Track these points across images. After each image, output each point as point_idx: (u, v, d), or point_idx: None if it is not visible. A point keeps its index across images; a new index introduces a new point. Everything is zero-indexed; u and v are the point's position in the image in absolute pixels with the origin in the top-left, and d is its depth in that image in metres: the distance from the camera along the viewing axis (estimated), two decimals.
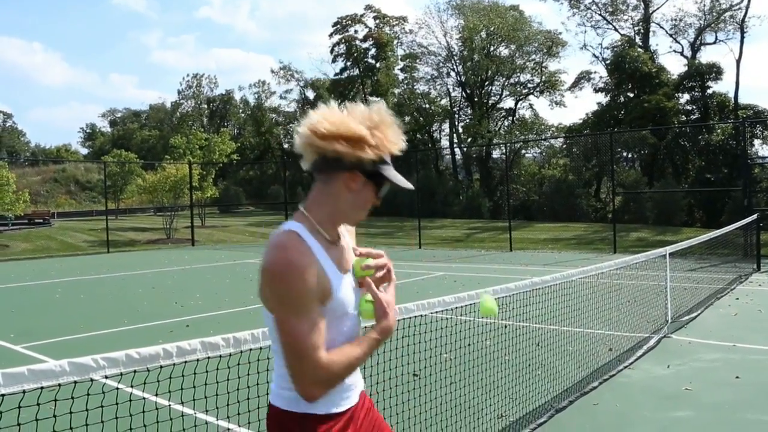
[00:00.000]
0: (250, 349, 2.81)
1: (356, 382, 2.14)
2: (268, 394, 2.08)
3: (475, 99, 48.33)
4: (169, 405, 3.03)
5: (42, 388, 2.05)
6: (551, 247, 23.23)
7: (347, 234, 2.17)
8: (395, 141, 2.08)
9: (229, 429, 4.02)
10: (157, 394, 3.19)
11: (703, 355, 7.02)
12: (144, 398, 3.41)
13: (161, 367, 2.48)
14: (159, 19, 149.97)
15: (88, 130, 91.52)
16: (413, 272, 15.87)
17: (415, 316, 3.78)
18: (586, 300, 8.03)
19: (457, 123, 50.26)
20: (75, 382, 2.21)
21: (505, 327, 7.47)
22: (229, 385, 3.22)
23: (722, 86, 39.41)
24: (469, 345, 6.40)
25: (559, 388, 5.82)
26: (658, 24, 41.85)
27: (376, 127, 2.04)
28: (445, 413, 4.75)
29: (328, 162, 1.96)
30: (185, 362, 2.56)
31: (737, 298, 10.70)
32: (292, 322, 1.85)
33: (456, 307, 4.07)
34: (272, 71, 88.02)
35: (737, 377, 6.18)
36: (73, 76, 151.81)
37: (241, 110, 74.74)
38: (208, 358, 2.64)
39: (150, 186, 32.93)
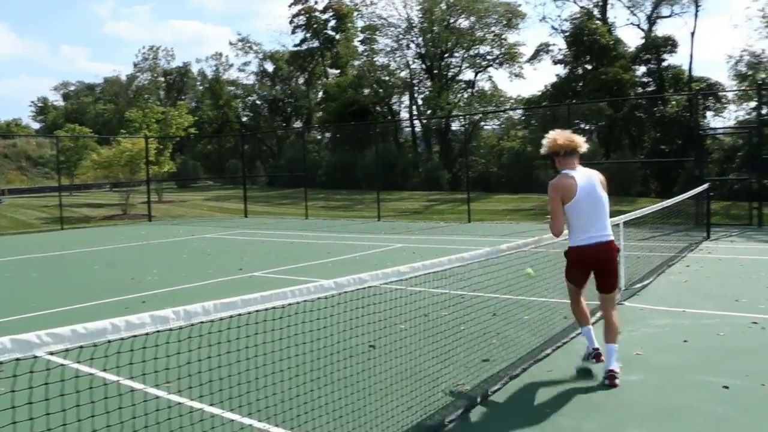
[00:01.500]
0: (201, 322, 2.79)
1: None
2: (219, 367, 2.07)
3: (435, 71, 48.22)
4: (118, 380, 3.00)
5: None
6: (510, 218, 23.46)
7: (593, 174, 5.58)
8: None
9: (180, 403, 4.00)
10: (105, 370, 3.14)
11: (654, 321, 7.19)
12: (92, 374, 3.37)
13: (109, 341, 2.45)
14: None
15: (39, 104, 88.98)
16: (372, 244, 15.90)
17: (370, 287, 3.79)
18: (542, 269, 8.13)
19: (416, 95, 50.18)
20: (17, 360, 2.16)
21: (461, 297, 7.55)
22: (180, 359, 3.20)
23: (677, 59, 39.86)
24: (425, 315, 6.47)
25: (514, 356, 5.90)
26: None
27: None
28: (401, 383, 4.80)
29: None
30: (134, 336, 2.53)
31: (688, 266, 10.96)
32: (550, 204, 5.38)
33: (409, 278, 4.09)
34: (230, 43, 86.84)
35: (685, 341, 6.35)
36: (22, 47, 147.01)
37: (198, 83, 73.44)
38: (158, 331, 2.61)
39: (105, 161, 32.24)
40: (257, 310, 2.97)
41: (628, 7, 41.84)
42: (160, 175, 35.93)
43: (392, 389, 4.71)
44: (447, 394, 4.95)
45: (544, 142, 5.53)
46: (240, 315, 2.92)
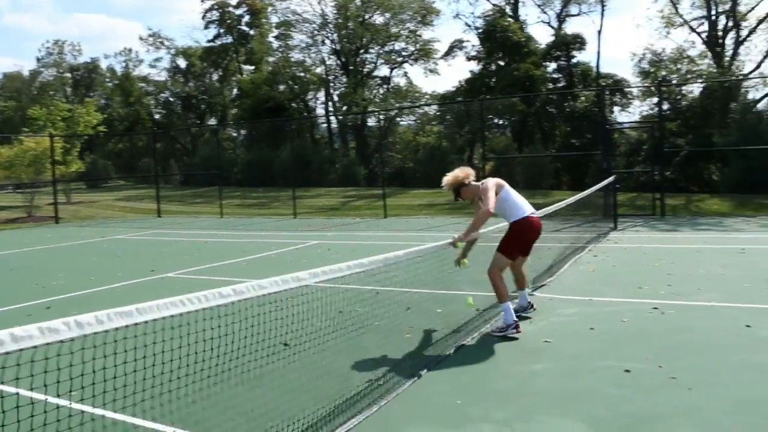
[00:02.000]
0: (95, 333, 2.68)
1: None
2: (115, 377, 2.00)
3: (350, 67, 48.21)
4: (18, 393, 2.86)
5: None
6: (425, 212, 23.72)
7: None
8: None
9: (83, 412, 3.87)
10: (2, 383, 2.99)
11: (563, 310, 7.41)
12: None
13: (7, 353, 2.33)
14: None
15: None
16: (288, 242, 15.78)
17: (271, 293, 3.75)
18: (452, 264, 8.26)
19: (332, 91, 50.04)
20: None
21: (377, 293, 7.59)
22: (72, 372, 3.07)
23: (585, 56, 41.42)
24: (340, 312, 6.47)
25: (427, 350, 5.97)
26: None
27: None
28: (315, 381, 4.78)
29: None
30: (20, 350, 2.41)
31: (595, 256, 11.35)
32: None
33: (319, 281, 4.06)
34: (141, 38, 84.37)
35: (591, 329, 6.58)
36: None
37: (107, 79, 71.04)
38: (48, 344, 2.49)
39: (6, 161, 30.74)
40: (155, 319, 2.88)
41: (539, 5, 43.00)
42: (67, 175, 34.59)
43: (304, 387, 4.69)
44: (359, 389, 4.96)
45: (448, 180, 6.74)
46: (137, 324, 2.83)
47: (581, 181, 25.78)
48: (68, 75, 71.16)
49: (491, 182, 6.61)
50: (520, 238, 6.70)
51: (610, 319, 6.97)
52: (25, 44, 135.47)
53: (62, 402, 3.76)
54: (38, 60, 71.53)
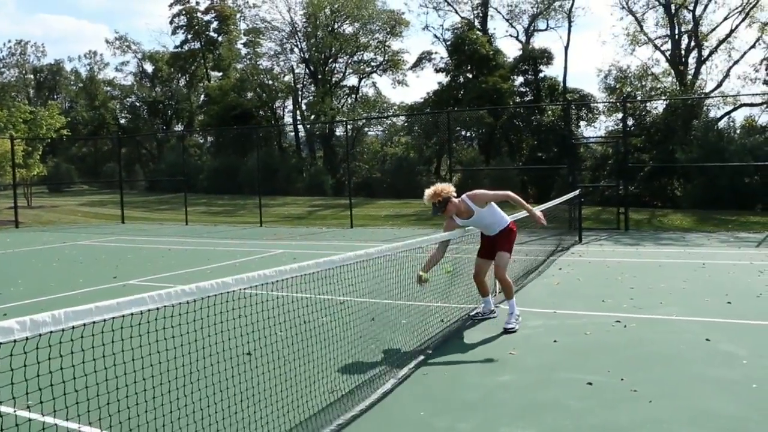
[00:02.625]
0: (51, 332, 2.61)
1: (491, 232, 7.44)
2: (74, 378, 1.94)
3: (319, 76, 48.17)
4: None
5: None
6: (392, 223, 23.74)
7: (472, 202, 7.27)
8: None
9: (29, 420, 3.76)
10: None
11: (528, 322, 7.45)
12: None
13: None
14: None
15: None
16: (253, 250, 15.66)
17: (233, 290, 3.71)
18: (415, 274, 8.26)
19: (300, 100, 49.91)
20: None
21: (342, 303, 7.53)
22: (27, 372, 2.98)
23: (552, 71, 42.02)
24: (306, 322, 6.40)
25: (392, 360, 5.95)
26: (496, 9, 43.69)
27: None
28: (279, 393, 4.72)
29: None
30: None
31: (560, 268, 11.45)
32: None
33: (276, 281, 4.02)
34: (107, 41, 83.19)
35: (555, 341, 6.62)
36: None
37: (72, 82, 70.05)
38: (0, 344, 2.43)
39: None
40: (113, 317, 2.81)
41: (507, 20, 43.53)
42: (29, 178, 34.00)
43: (267, 395, 4.63)
44: (323, 399, 4.92)
45: (438, 192, 7.23)
46: (95, 323, 2.77)
47: (547, 195, 26.02)
48: (31, 76, 70.04)
49: (479, 191, 7.38)
50: (514, 239, 7.46)
51: (573, 331, 7.02)
52: None
53: (5, 409, 3.66)
54: None
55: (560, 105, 34.85)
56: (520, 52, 41.61)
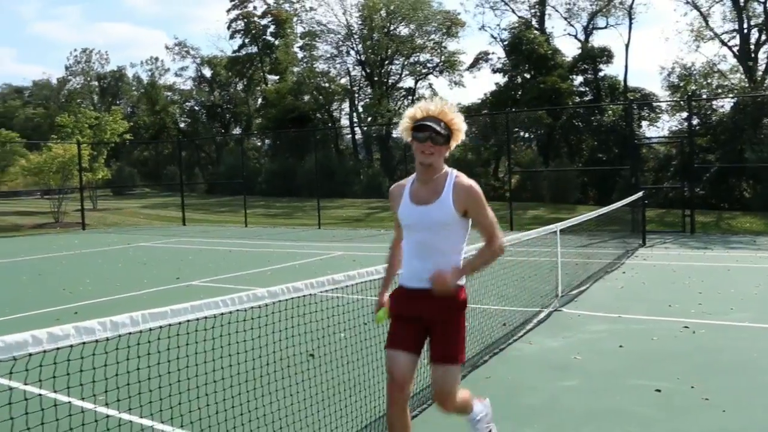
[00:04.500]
0: (129, 333, 2.68)
1: (425, 275, 3.36)
2: (149, 378, 1.99)
3: (375, 78, 48.33)
4: (41, 394, 2.86)
5: None
6: None
7: (454, 188, 3.42)
8: (411, 111, 3.49)
9: (108, 416, 3.86)
10: (26, 383, 3.00)
11: (591, 327, 7.30)
12: (11, 388, 3.20)
13: (30, 354, 2.33)
14: None
15: None
16: (312, 252, 15.78)
17: (305, 295, 3.73)
18: (481, 276, 8.18)
19: (357, 102, 50.20)
20: None
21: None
22: (108, 371, 3.07)
23: (613, 69, 41.21)
24: (365, 324, 6.39)
25: None
26: (554, 7, 43.08)
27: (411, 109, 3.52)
28: (342, 393, 4.73)
29: None
30: (57, 349, 2.41)
31: (624, 272, 11.19)
32: None
33: (346, 286, 4.03)
34: (167, 47, 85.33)
35: (621, 346, 6.46)
36: None
37: (134, 88, 71.92)
38: (83, 343, 2.49)
39: (35, 167, 31.18)
40: (188, 320, 2.87)
41: (566, 18, 42.88)
42: (94, 182, 35.01)
43: (333, 398, 4.64)
44: (384, 403, 4.89)
45: (446, 111, 3.45)
46: (170, 325, 2.82)
47: (608, 197, 25.50)
48: (95, 83, 72.15)
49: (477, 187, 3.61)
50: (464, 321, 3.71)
51: (639, 336, 6.85)
52: (52, 53, 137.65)
53: (87, 405, 3.75)
54: (66, 68, 72.72)
55: (621, 104, 34.12)
56: (579, 51, 40.95)
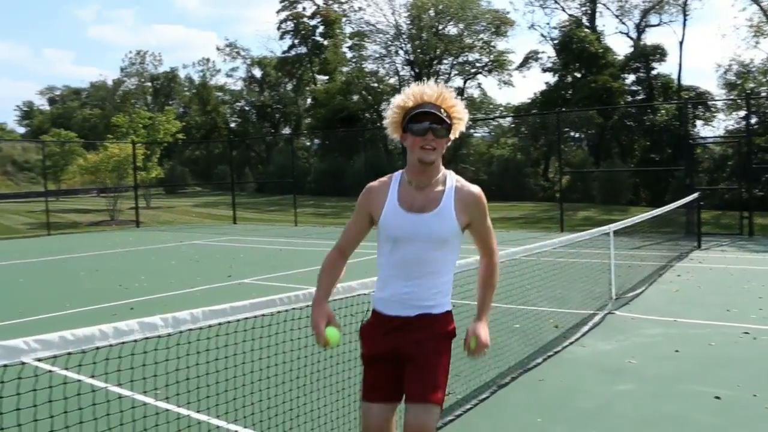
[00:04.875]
0: (190, 330, 2.74)
1: (410, 301, 2.83)
2: (207, 374, 2.04)
3: (424, 78, 48.06)
4: (106, 387, 2.94)
5: None
6: (500, 226, 23.46)
7: (455, 196, 2.86)
8: (400, 100, 2.84)
9: (167, 410, 3.94)
10: (93, 376, 3.09)
11: (646, 330, 7.17)
12: (79, 381, 3.30)
13: (97, 348, 2.40)
14: None
15: (24, 108, 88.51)
16: (362, 252, 15.76)
17: (357, 295, 3.76)
18: (532, 278, 8.12)
19: None
20: (5, 366, 2.12)
21: (453, 306, 7.50)
22: (168, 366, 3.14)
23: (666, 67, 40.28)
24: None
25: (504, 365, 5.86)
26: (605, 5, 42.42)
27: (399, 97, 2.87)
28: None
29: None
30: (122, 343, 2.49)
31: (679, 275, 10.96)
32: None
33: None
34: (218, 48, 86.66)
35: (677, 351, 6.33)
36: (3, 50, 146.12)
37: (186, 88, 73.26)
38: (146, 338, 2.56)
39: (92, 166, 32.04)
40: (246, 318, 2.93)
41: (617, 16, 42.19)
42: (147, 180, 35.76)
43: None
44: None
45: (447, 97, 2.88)
46: (229, 323, 2.88)
47: (661, 198, 25.02)
48: (149, 84, 73.70)
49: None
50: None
51: (696, 341, 6.70)
52: (108, 55, 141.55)
53: (148, 400, 3.84)
54: (122, 70, 74.50)
55: (675, 103, 33.40)
56: (631, 50, 40.26)
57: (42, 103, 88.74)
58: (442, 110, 2.78)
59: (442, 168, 2.89)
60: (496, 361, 5.90)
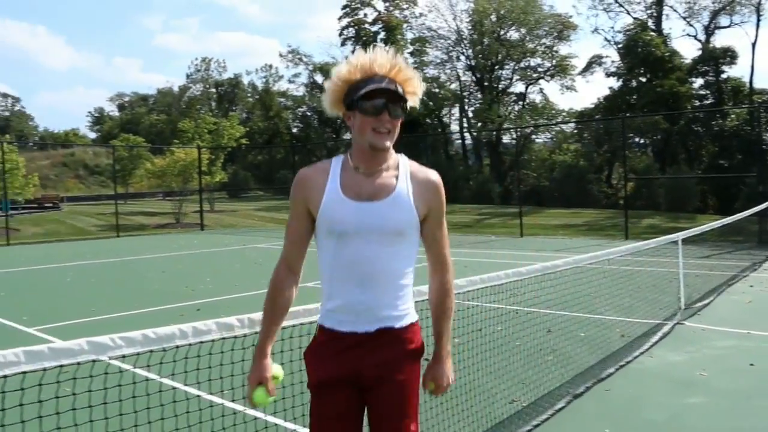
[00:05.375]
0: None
1: (366, 312, 2.29)
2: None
3: (485, 83, 48.06)
4: (185, 386, 3.02)
5: (61, 366, 2.04)
6: (562, 233, 23.14)
7: (412, 181, 2.37)
8: (345, 71, 2.29)
9: (243, 411, 4.02)
10: (173, 375, 3.18)
11: (717, 342, 6.97)
12: (159, 380, 3.40)
13: (177, 347, 2.48)
14: (161, 3, 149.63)
15: (96, 114, 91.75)
16: (422, 257, 15.80)
17: (424, 300, 3.76)
18: (598, 286, 7.99)
19: (467, 107, 50.07)
20: (93, 362, 2.20)
21: (516, 313, 7.45)
22: (245, 366, 3.20)
23: (737, 70, 39.18)
24: (480, 330, 6.40)
25: (571, 373, 5.79)
26: (672, 7, 41.52)
27: (343, 67, 2.33)
28: (458, 398, 4.73)
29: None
30: (201, 343, 2.56)
31: (751, 286, 10.61)
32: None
33: (468, 291, 4.04)
34: (281, 55, 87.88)
35: (752, 364, 6.13)
36: (77, 59, 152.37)
37: (249, 94, 74.60)
38: (223, 339, 2.63)
39: (159, 170, 32.96)
40: (310, 322, 2.98)
41: (685, 18, 41.21)
42: (212, 184, 36.53)
43: (450, 404, 4.65)
44: (504, 410, 4.87)
45: (402, 68, 2.34)
46: (302, 324, 2.93)
47: (730, 206, 24.28)
48: (213, 90, 75.32)
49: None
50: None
51: None
52: (173, 62, 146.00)
53: (226, 402, 3.92)
54: (187, 76, 76.40)
55: (746, 108, 32.36)
56: (700, 52, 39.22)
57: (112, 109, 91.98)
58: (397, 85, 2.27)
59: (393, 152, 2.39)
60: (565, 370, 5.83)
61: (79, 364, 2.11)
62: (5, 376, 1.93)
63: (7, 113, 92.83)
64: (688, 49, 78.81)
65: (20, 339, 7.75)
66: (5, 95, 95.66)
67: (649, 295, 8.57)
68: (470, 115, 49.93)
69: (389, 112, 2.24)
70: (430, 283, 2.53)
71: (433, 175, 2.42)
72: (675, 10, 41.38)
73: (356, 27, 59.77)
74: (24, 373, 1.95)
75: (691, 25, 41.41)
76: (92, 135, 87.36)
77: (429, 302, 2.54)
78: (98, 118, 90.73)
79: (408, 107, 2.35)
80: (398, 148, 2.46)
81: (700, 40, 40.81)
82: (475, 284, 4.04)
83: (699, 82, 38.64)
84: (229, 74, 75.94)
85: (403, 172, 2.35)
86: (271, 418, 4.19)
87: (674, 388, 5.54)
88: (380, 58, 2.25)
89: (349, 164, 2.33)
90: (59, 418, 2.39)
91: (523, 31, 46.73)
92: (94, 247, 21.12)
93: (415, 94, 2.36)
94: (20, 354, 1.96)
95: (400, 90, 2.26)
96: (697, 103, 37.58)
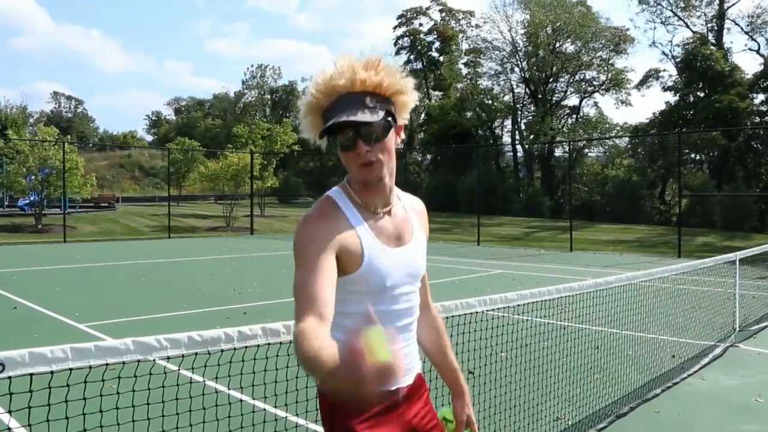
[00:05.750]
0: None
1: (409, 363, 2.00)
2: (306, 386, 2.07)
3: (539, 96, 47.67)
4: (228, 390, 3.03)
5: (107, 364, 2.06)
6: (613, 248, 22.73)
7: (412, 213, 2.06)
8: (311, 95, 1.84)
9: (285, 417, 4.03)
10: (217, 378, 3.20)
11: None
12: (204, 382, 3.43)
13: (222, 350, 2.48)
14: (210, 8, 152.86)
15: (153, 118, 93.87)
16: (471, 269, 15.72)
17: (475, 312, 3.71)
18: (649, 304, 7.81)
19: (519, 119, 49.71)
20: (138, 361, 2.22)
21: (564, 329, 7.32)
22: (289, 373, 3.21)
23: None
24: (527, 345, 6.30)
25: (618, 393, 5.65)
26: (733, 21, 40.56)
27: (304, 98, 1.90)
28: (503, 413, 4.66)
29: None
30: (246, 347, 2.56)
31: None
32: (296, 274, 1.78)
33: (517, 305, 3.98)
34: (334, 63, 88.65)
35: None
36: (131, 63, 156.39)
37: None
38: (269, 344, 2.63)
39: (212, 174, 33.50)
40: None
41: (747, 32, 40.15)
42: (263, 189, 36.94)
43: (495, 419, 4.59)
44: (549, 427, 4.78)
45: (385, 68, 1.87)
46: None
47: None
48: (268, 96, 76.32)
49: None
50: None
51: None
52: (223, 66, 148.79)
53: (268, 407, 3.94)
54: (243, 82, 77.63)
55: None
56: (762, 67, 38.16)
57: (169, 113, 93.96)
58: (368, 99, 1.79)
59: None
60: (613, 389, 5.70)
61: (124, 363, 2.14)
62: (52, 372, 1.96)
63: (70, 114, 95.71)
64: (749, 64, 76.78)
65: (71, 334, 7.93)
66: (69, 97, 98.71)
67: (702, 316, 8.33)
68: (522, 127, 49.60)
69: (365, 140, 1.79)
70: (424, 319, 2.19)
71: (422, 204, 2.17)
72: (737, 24, 40.45)
73: (411, 37, 60.00)
74: (70, 369, 1.98)
75: (753, 39, 40.40)
76: (149, 138, 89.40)
77: (423, 340, 2.24)
78: (155, 122, 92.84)
79: (401, 110, 1.93)
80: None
81: (762, 55, 39.78)
82: (525, 298, 3.98)
83: (760, 97, 37.65)
84: (284, 81, 76.97)
85: (403, 204, 2.05)
86: (312, 426, 4.19)
87: (728, 413, 5.36)
88: (338, 76, 1.79)
89: (356, 200, 1.91)
90: (102, 415, 2.41)
91: (578, 43, 46.26)
92: (146, 247, 21.55)
93: (403, 93, 1.90)
94: (68, 351, 1.99)
95: (372, 103, 1.79)
96: (758, 119, 36.57)
